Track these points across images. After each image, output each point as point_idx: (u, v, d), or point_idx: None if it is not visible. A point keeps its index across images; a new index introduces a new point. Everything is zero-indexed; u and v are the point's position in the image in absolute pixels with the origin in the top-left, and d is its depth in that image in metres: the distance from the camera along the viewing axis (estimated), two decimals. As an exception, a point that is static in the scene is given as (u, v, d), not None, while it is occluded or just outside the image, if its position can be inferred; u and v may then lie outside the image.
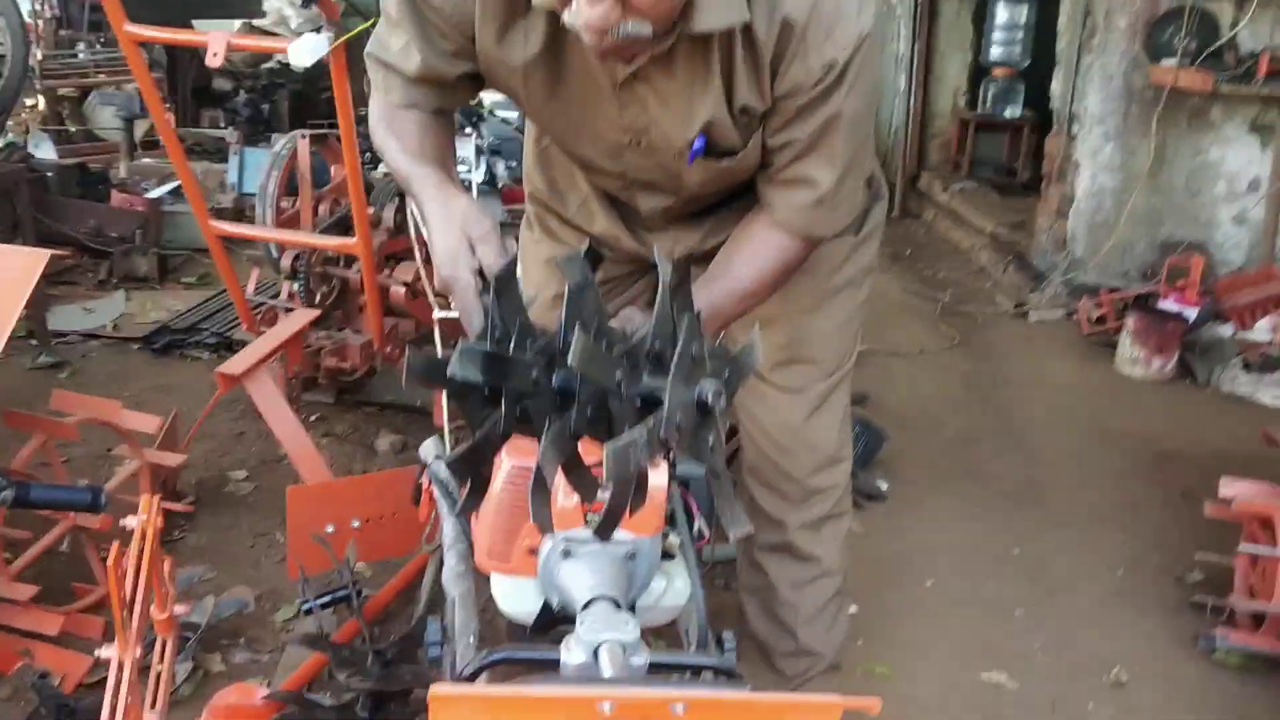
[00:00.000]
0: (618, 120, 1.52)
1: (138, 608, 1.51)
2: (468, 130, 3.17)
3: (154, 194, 5.12)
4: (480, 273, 1.35)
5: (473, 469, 1.46)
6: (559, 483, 1.61)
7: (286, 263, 2.96)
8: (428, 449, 1.96)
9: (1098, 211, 5.18)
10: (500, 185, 3.28)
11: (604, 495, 1.36)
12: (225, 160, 5.10)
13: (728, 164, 1.54)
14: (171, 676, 1.64)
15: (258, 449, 3.17)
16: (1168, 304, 4.58)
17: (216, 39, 2.28)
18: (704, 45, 1.40)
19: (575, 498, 1.56)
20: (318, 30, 2.21)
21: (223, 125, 8.18)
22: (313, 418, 3.33)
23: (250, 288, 3.29)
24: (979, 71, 7.34)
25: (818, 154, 1.50)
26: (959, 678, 2.44)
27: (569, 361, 1.26)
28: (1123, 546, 3.03)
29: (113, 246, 4.75)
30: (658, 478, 1.65)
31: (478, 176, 3.12)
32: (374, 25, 2.22)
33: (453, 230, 1.38)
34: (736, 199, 1.72)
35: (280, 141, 3.11)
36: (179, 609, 1.67)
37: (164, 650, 1.66)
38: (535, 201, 1.90)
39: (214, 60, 2.26)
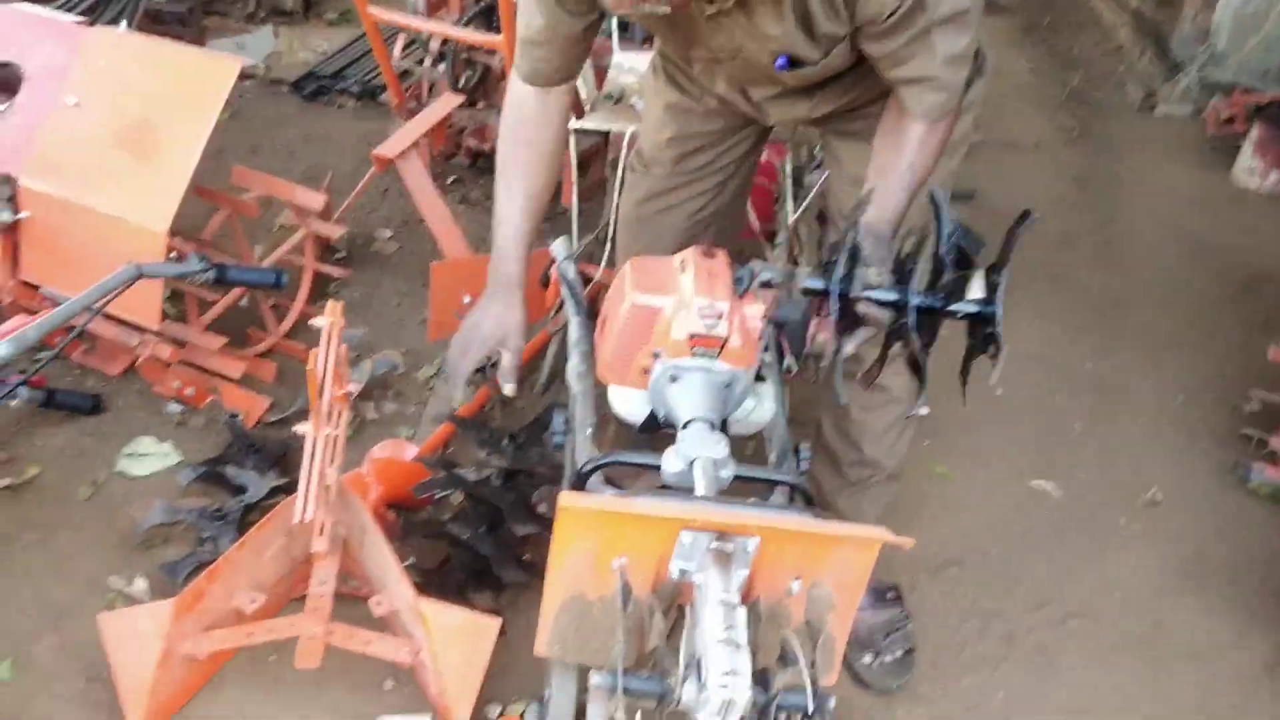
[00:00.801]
0: (711, 43, 1.74)
1: (327, 394, 1.87)
2: None
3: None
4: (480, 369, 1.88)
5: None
6: (676, 314, 1.92)
7: (434, 46, 3.16)
8: (558, 248, 2.24)
9: (1248, 3, 4.98)
10: None
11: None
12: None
13: (813, 71, 1.74)
14: (344, 435, 2.01)
15: (400, 208, 3.48)
16: (1300, 113, 4.51)
17: None
18: None
19: (687, 332, 1.87)
20: None
21: None
22: (450, 181, 3.62)
23: (397, 52, 3.50)
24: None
25: (921, 58, 1.66)
26: (1009, 483, 2.75)
27: None
28: (1191, 371, 3.23)
29: (260, -25, 4.94)
30: (755, 316, 1.94)
31: None
32: None
33: (486, 327, 1.91)
34: (843, 75, 1.89)
35: (432, -74, 3.25)
36: (352, 387, 2.02)
37: (338, 418, 2.02)
38: (664, 57, 2.08)
39: None
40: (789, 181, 2.90)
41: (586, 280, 2.51)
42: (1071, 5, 6.50)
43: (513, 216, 1.94)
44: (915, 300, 1.57)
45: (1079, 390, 3.12)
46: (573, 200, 2.92)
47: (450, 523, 2.25)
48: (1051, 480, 2.77)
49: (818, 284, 1.63)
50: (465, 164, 3.59)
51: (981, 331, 1.64)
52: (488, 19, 3.21)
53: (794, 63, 1.74)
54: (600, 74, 2.93)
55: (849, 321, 1.62)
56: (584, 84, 2.79)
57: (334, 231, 2.85)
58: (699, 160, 2.15)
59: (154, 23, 4.23)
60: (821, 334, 1.73)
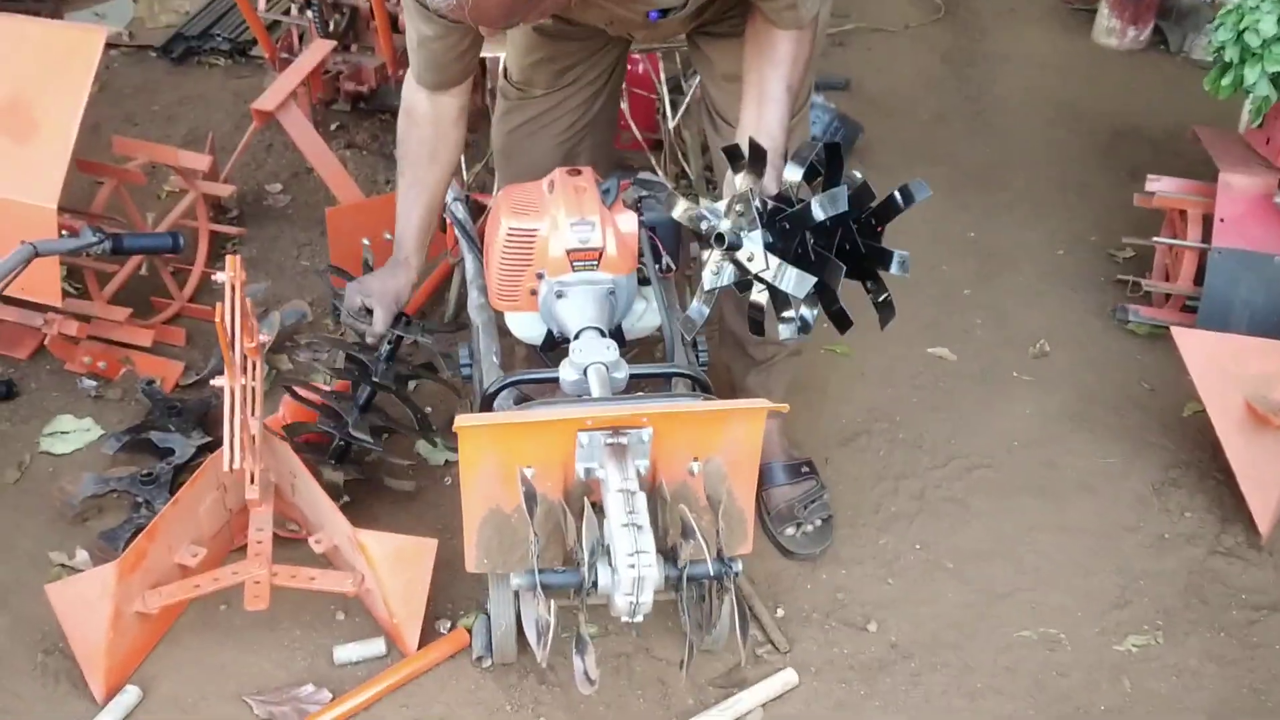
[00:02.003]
0: (584, 17, 1.87)
1: (239, 345, 1.92)
2: None
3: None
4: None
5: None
6: (551, 234, 2.01)
7: (298, -9, 3.14)
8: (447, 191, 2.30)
9: None
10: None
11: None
12: None
13: (683, 14, 1.85)
14: (261, 386, 2.06)
15: (287, 161, 3.47)
16: (1150, -32, 4.66)
17: None
18: None
19: (564, 249, 1.96)
20: None
21: None
22: (334, 127, 3.61)
23: (262, 4, 3.47)
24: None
25: None
26: (908, 352, 2.89)
27: None
28: (1068, 226, 3.40)
29: (109, -59, 4.80)
30: (628, 224, 2.03)
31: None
32: None
33: (370, 285, 2.14)
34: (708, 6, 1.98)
35: None
36: (262, 338, 2.07)
37: (253, 370, 2.07)
38: None
39: None
40: (665, 90, 2.97)
41: (481, 209, 2.57)
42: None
43: (409, 212, 2.12)
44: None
45: (964, 258, 3.26)
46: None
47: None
48: (946, 346, 2.91)
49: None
50: (346, 108, 3.59)
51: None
52: (350, -42, 3.20)
53: (665, 11, 1.83)
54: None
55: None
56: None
57: (223, 191, 2.86)
58: (568, 78, 2.21)
59: (8, 1, 4.11)
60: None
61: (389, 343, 2.23)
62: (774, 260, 1.62)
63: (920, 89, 4.19)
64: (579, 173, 2.07)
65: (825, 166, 1.70)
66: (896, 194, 1.69)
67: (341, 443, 2.27)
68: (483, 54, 2.88)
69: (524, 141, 2.29)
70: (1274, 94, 2.57)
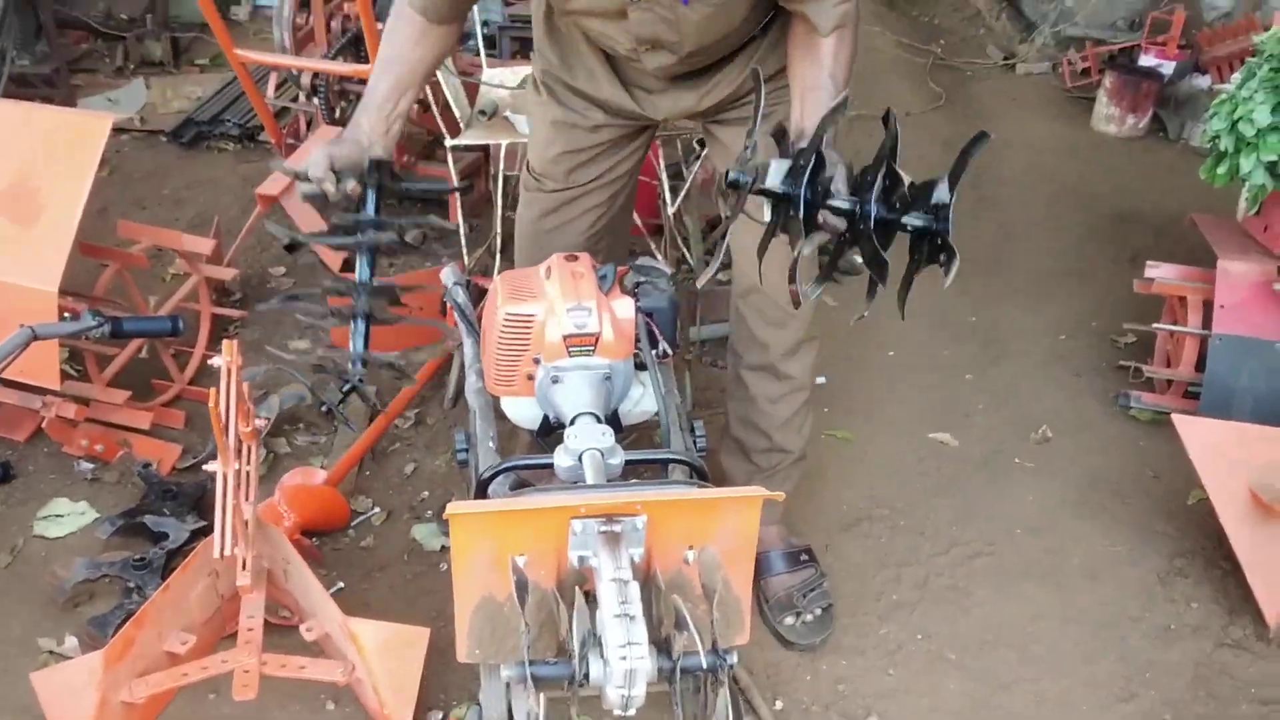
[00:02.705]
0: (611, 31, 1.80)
1: (232, 430, 1.91)
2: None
3: (158, -29, 5.19)
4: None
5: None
6: (548, 319, 2.01)
7: (306, 80, 3.20)
8: (447, 275, 2.32)
9: (1089, -41, 5.23)
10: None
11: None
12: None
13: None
14: (256, 471, 2.05)
15: (292, 244, 3.51)
16: (1147, 58, 4.73)
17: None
18: None
19: (561, 334, 1.96)
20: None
21: None
22: (339, 211, 3.65)
23: (270, 91, 3.53)
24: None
25: None
26: (910, 438, 2.87)
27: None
28: (1070, 310, 3.40)
29: (124, 29, 4.91)
30: (625, 309, 2.04)
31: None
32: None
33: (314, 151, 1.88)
34: (728, 62, 2.00)
35: (290, -37, 3.29)
36: (258, 422, 2.07)
37: (249, 454, 2.06)
38: (544, 73, 2.14)
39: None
40: (665, 175, 3.00)
41: (482, 293, 2.58)
42: (927, -23, 6.73)
43: (376, 82, 1.94)
44: (874, 210, 1.62)
45: (966, 341, 3.26)
46: (458, 218, 2.99)
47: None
48: (948, 431, 2.90)
49: (783, 188, 1.65)
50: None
51: (927, 245, 1.69)
52: (356, 49, 3.26)
53: None
54: (471, 90, 3.00)
55: (809, 226, 1.65)
56: (456, 103, 2.86)
57: (226, 274, 2.88)
58: (590, 173, 2.21)
59: (20, 87, 4.20)
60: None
61: (372, 188, 1.93)
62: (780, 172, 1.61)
63: (921, 174, 4.21)
64: (576, 258, 2.08)
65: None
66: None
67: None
68: (485, 141, 2.94)
69: (549, 233, 2.28)
70: (1270, 182, 2.59)
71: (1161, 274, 2.85)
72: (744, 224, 2.22)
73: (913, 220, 1.66)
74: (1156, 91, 4.59)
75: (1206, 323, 2.73)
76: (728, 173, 1.66)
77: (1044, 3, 5.38)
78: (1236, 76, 2.72)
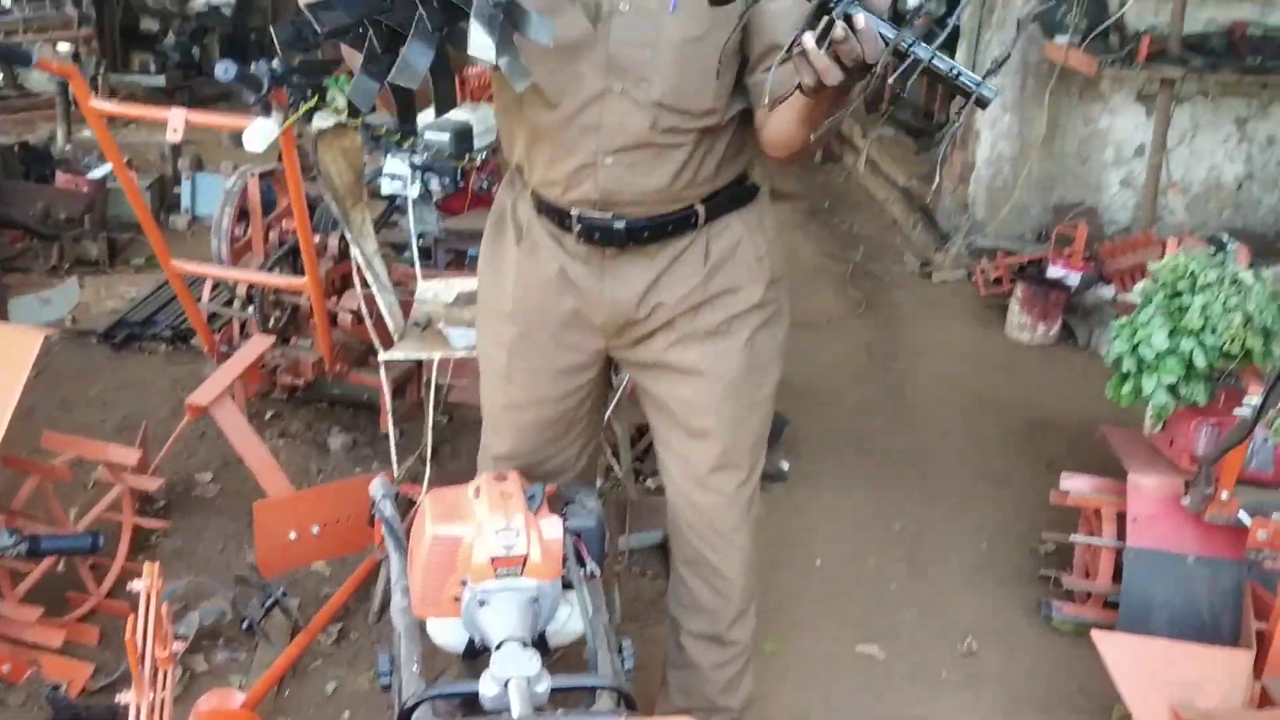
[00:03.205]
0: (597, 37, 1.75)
1: (149, 660, 1.87)
2: (403, 148, 3.43)
3: (97, 174, 5.29)
4: None
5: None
6: (476, 540, 2.01)
7: (241, 290, 3.25)
8: (376, 488, 2.33)
9: (996, 177, 5.57)
10: (435, 200, 3.56)
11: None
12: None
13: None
14: (171, 697, 1.99)
15: (219, 449, 3.48)
16: (1055, 269, 4.98)
17: (176, 115, 2.54)
18: None
19: (488, 556, 1.96)
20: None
21: (152, 70, 8.24)
22: (268, 416, 3.65)
23: (205, 295, 3.57)
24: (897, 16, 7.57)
25: None
26: (837, 650, 2.87)
27: None
28: (991, 518, 3.47)
29: (61, 229, 4.96)
30: (553, 530, 2.05)
31: (413, 192, 3.40)
32: (317, 106, 2.52)
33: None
34: (678, 236, 1.98)
35: (232, 178, 3.38)
36: (176, 645, 2.02)
37: (164, 680, 2.01)
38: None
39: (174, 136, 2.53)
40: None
41: (411, 503, 2.58)
42: (848, 187, 7.09)
43: None
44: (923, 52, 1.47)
45: (891, 550, 3.31)
46: (389, 427, 3.01)
47: None
48: (875, 642, 2.91)
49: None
50: (283, 398, 3.65)
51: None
52: (293, 261, 3.33)
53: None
54: (405, 304, 3.06)
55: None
56: (390, 315, 2.91)
57: (151, 484, 2.85)
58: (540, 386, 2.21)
59: (-46, 292, 4.21)
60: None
61: None
62: None
63: (845, 380, 4.36)
64: (504, 478, 2.10)
65: None
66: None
67: None
68: (419, 356, 2.98)
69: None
70: (1172, 402, 2.71)
71: (1076, 486, 2.94)
72: (687, 494, 2.22)
73: (964, 79, 1.47)
74: (1064, 301, 4.82)
75: (1122, 533, 2.80)
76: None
77: (957, 214, 5.68)
78: (1139, 287, 2.88)
